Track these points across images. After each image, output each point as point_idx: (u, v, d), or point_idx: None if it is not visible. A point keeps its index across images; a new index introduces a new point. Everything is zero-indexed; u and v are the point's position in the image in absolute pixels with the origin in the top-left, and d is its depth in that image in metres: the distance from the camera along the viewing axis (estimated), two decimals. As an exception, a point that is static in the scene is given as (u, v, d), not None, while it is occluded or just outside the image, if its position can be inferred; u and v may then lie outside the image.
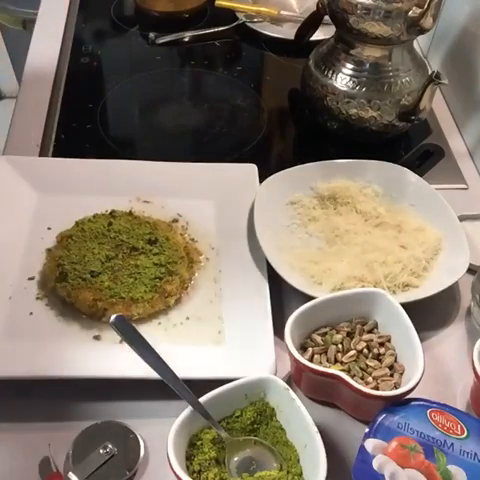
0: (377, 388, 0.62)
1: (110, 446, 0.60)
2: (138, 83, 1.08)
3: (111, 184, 0.83)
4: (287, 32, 1.14)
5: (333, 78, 0.90)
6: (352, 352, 0.64)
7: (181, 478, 0.52)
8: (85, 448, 0.60)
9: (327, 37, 0.95)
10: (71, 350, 0.66)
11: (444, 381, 0.69)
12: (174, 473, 0.53)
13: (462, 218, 0.81)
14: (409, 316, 0.64)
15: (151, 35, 1.16)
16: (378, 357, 0.65)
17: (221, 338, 0.69)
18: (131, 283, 0.70)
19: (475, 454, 0.54)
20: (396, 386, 0.62)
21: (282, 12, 1.20)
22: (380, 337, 0.66)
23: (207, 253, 0.78)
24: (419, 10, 0.81)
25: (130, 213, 0.79)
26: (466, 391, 0.67)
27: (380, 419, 0.56)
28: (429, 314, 0.73)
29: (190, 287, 0.74)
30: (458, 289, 0.77)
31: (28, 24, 1.74)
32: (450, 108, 1.05)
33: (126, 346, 0.60)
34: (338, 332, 0.66)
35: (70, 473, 0.58)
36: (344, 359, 0.64)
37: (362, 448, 0.54)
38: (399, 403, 0.58)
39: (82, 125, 0.97)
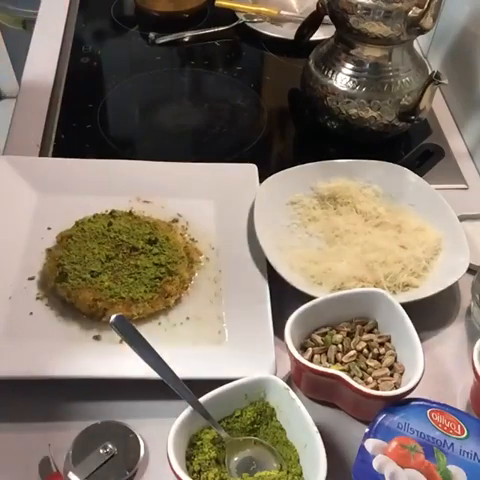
0: (377, 388, 0.62)
1: (110, 446, 0.60)
2: (138, 83, 1.08)
3: (111, 184, 0.83)
4: (287, 32, 1.14)
5: (333, 78, 0.90)
6: (352, 352, 0.65)
7: (181, 478, 0.52)
8: (85, 448, 0.60)
9: (327, 37, 0.95)
10: (71, 350, 0.66)
11: (444, 381, 0.69)
12: (174, 473, 0.53)
13: (462, 218, 0.81)
14: (409, 316, 0.64)
15: (151, 35, 1.16)
16: (378, 357, 0.65)
17: (221, 338, 0.69)
18: (131, 283, 0.70)
19: (475, 454, 0.54)
20: (396, 386, 0.62)
21: (282, 12, 1.20)
22: (380, 337, 0.66)
23: (207, 253, 0.78)
24: (419, 10, 0.81)
25: (130, 213, 0.79)
26: (466, 391, 0.67)
27: (380, 419, 0.56)
28: (429, 314, 0.73)
29: (190, 287, 0.74)
30: (458, 289, 0.77)
31: (28, 24, 1.74)
32: (450, 108, 1.05)
33: (126, 346, 0.60)
34: (338, 332, 0.66)
35: (70, 473, 0.58)
36: (344, 359, 0.64)
37: (362, 448, 0.54)
38: (399, 403, 0.58)
39: (82, 125, 0.97)
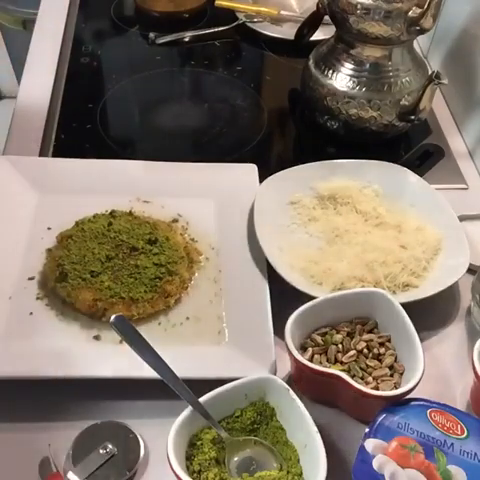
0: (377, 388, 0.62)
1: (110, 446, 0.60)
2: (138, 83, 1.08)
3: (111, 184, 0.83)
4: (287, 32, 1.14)
5: (333, 78, 0.90)
6: (352, 352, 0.64)
7: (181, 478, 0.52)
8: (85, 448, 0.60)
9: (327, 37, 0.95)
10: (71, 350, 0.66)
11: (444, 381, 0.69)
12: (174, 473, 0.53)
13: (462, 218, 0.81)
14: (409, 316, 0.64)
15: (151, 35, 1.16)
16: (378, 357, 0.65)
17: (221, 338, 0.69)
18: (131, 283, 0.70)
19: (475, 454, 0.54)
20: (396, 386, 0.62)
21: (282, 12, 1.20)
22: (380, 337, 0.66)
23: (207, 253, 0.78)
24: (419, 10, 0.81)
25: (130, 213, 0.79)
26: (466, 391, 0.67)
27: (380, 419, 0.56)
28: (429, 314, 0.73)
29: (190, 287, 0.74)
30: (458, 289, 0.77)
31: (28, 24, 1.74)
32: (450, 108, 1.05)
33: (126, 346, 0.60)
34: (338, 332, 0.66)
35: (70, 473, 0.58)
36: (344, 359, 0.64)
37: (362, 448, 0.54)
38: (399, 403, 0.58)
39: (82, 125, 0.98)
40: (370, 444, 0.54)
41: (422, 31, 0.83)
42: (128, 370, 0.63)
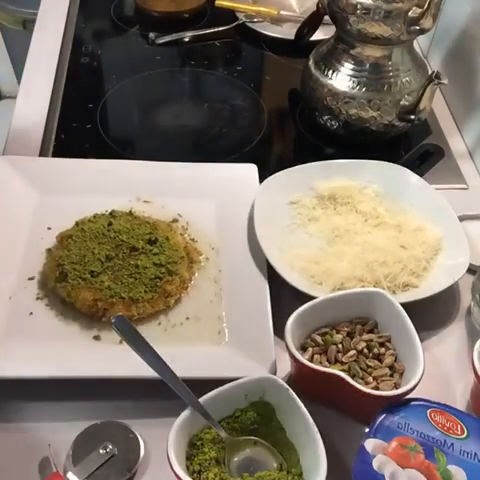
0: (377, 388, 0.62)
1: (110, 446, 0.60)
2: (138, 83, 1.08)
3: (111, 184, 0.83)
4: (287, 32, 1.14)
5: (333, 78, 0.90)
6: (352, 352, 0.64)
7: (181, 478, 0.52)
8: (85, 448, 0.60)
9: (327, 37, 0.95)
10: (71, 350, 0.66)
11: (444, 381, 0.69)
12: (174, 473, 0.53)
13: (462, 218, 0.81)
14: (409, 316, 0.64)
15: (151, 35, 1.16)
16: (378, 357, 0.65)
17: (221, 338, 0.69)
18: (131, 283, 0.70)
19: (475, 454, 0.54)
20: (396, 386, 0.62)
21: (282, 12, 1.20)
22: (380, 337, 0.66)
23: (207, 253, 0.78)
24: (419, 10, 0.81)
25: (130, 213, 0.79)
26: (466, 391, 0.67)
27: (380, 419, 0.56)
28: (429, 314, 0.73)
29: (190, 287, 0.74)
30: (458, 289, 0.77)
31: (28, 24, 1.74)
32: (450, 108, 1.05)
33: (126, 346, 0.60)
34: (338, 332, 0.66)
35: (70, 473, 0.58)
36: (344, 359, 0.64)
37: (362, 448, 0.54)
38: (399, 403, 0.58)
39: (82, 125, 0.98)
40: (370, 444, 0.54)
41: (422, 31, 0.83)
42: (128, 370, 0.63)
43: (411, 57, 0.90)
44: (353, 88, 0.89)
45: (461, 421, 0.57)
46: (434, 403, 0.58)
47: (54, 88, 1.04)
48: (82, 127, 0.97)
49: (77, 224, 0.76)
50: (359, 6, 0.82)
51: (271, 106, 1.04)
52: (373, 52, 0.87)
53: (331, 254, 0.76)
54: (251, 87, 1.08)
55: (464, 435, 0.55)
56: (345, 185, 0.84)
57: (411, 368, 0.61)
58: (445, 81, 0.84)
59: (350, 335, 0.67)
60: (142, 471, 0.60)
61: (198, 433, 0.58)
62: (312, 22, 1.03)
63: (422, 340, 0.62)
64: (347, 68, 0.89)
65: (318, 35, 1.04)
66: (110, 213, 0.78)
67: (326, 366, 0.63)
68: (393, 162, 0.86)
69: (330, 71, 0.91)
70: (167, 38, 1.15)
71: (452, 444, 0.55)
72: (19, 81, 1.07)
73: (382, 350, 0.65)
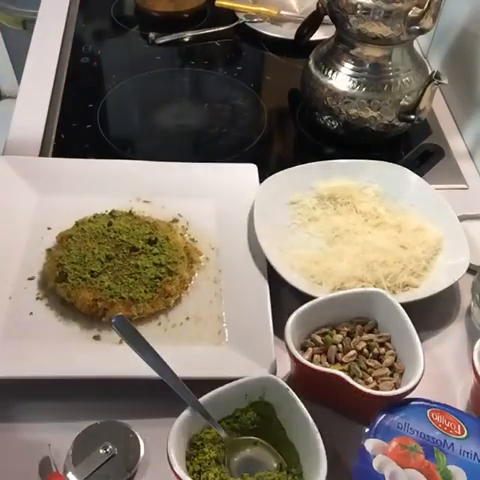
0: (377, 388, 0.62)
1: (110, 446, 0.60)
2: (138, 83, 1.08)
3: (111, 184, 0.83)
4: (287, 32, 1.14)
5: (333, 78, 0.90)
6: (352, 352, 0.64)
7: (181, 478, 0.52)
8: (85, 448, 0.60)
9: (327, 37, 0.95)
10: (71, 350, 0.66)
11: (444, 381, 0.69)
12: (174, 473, 0.53)
13: (462, 218, 0.81)
14: (409, 316, 0.64)
15: (151, 35, 1.16)
16: (378, 357, 0.65)
17: (221, 338, 0.69)
18: (131, 283, 0.70)
19: (475, 454, 0.54)
20: (396, 386, 0.62)
21: (282, 12, 1.20)
22: (380, 337, 0.66)
23: (207, 253, 0.78)
24: (419, 10, 0.81)
25: (130, 213, 0.79)
26: (466, 391, 0.67)
27: (380, 419, 0.56)
28: (429, 314, 0.73)
29: (190, 287, 0.74)
30: (458, 289, 0.77)
31: (28, 24, 1.74)
32: (450, 108, 1.05)
33: (126, 346, 0.60)
34: (338, 332, 0.66)
35: (70, 473, 0.58)
36: (344, 359, 0.64)
37: (362, 448, 0.54)
38: (399, 403, 0.58)
39: (82, 125, 0.98)
40: (370, 444, 0.54)
41: (422, 31, 0.83)
42: (128, 370, 0.63)
43: (411, 57, 0.90)
44: (353, 88, 0.89)
45: (461, 421, 0.57)
46: (434, 403, 0.58)
47: (54, 88, 1.04)
48: (82, 127, 0.97)
49: (77, 224, 0.76)
50: (359, 6, 0.82)
51: (271, 106, 1.04)
52: (373, 52, 0.88)
53: (331, 254, 0.76)
54: (251, 87, 1.08)
55: (464, 435, 0.55)
56: (345, 185, 0.84)
57: (411, 368, 0.61)
58: (445, 81, 0.84)
59: (350, 335, 0.67)
60: (142, 471, 0.60)
61: (198, 433, 0.58)
62: (312, 22, 1.03)
63: (422, 340, 0.62)
64: (347, 68, 0.89)
65: (318, 35, 1.04)
66: (110, 213, 0.78)
67: (326, 366, 0.63)
68: (393, 162, 0.86)
69: (330, 71, 0.91)
70: (167, 38, 1.15)
71: (452, 444, 0.55)
72: (19, 81, 1.07)
73: (382, 350, 0.65)
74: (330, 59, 0.91)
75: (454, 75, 1.00)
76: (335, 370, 0.60)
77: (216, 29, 1.17)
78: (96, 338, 0.69)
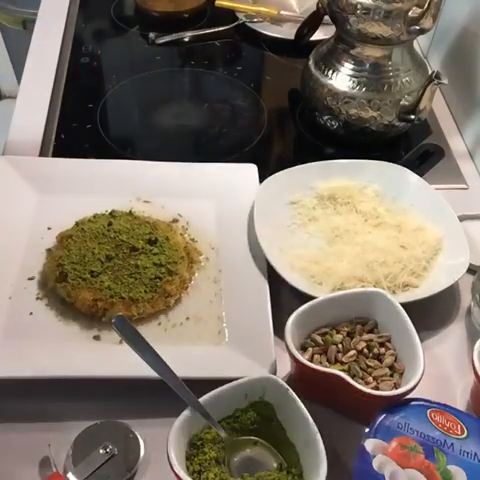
0: (377, 388, 0.62)
1: (110, 446, 0.60)
2: (138, 83, 1.08)
3: (111, 184, 0.83)
4: (287, 32, 1.14)
5: (333, 78, 0.90)
6: (352, 352, 0.64)
7: (181, 478, 0.52)
8: (85, 448, 0.60)
9: (327, 37, 0.95)
10: (71, 350, 0.66)
11: (444, 381, 0.69)
12: (174, 473, 0.53)
13: (462, 218, 0.81)
14: (409, 316, 0.64)
15: (151, 35, 1.16)
16: (378, 357, 0.65)
17: (221, 338, 0.69)
18: (131, 283, 0.70)
19: (475, 454, 0.54)
20: (396, 386, 0.62)
21: (282, 12, 1.20)
22: (380, 337, 0.66)
23: (207, 253, 0.78)
24: (419, 10, 0.81)
25: (130, 213, 0.79)
26: (466, 391, 0.67)
27: (380, 419, 0.56)
28: (429, 314, 0.73)
29: (190, 287, 0.74)
30: (458, 289, 0.77)
31: (28, 24, 1.74)
32: (450, 108, 1.05)
33: (126, 346, 0.60)
34: (338, 332, 0.66)
35: (70, 473, 0.58)
36: (344, 359, 0.64)
37: (362, 448, 0.54)
38: (399, 403, 0.58)
39: (82, 125, 0.98)
40: (370, 444, 0.54)
41: (422, 31, 0.83)
42: (128, 370, 0.63)
43: (411, 57, 0.90)
44: (353, 88, 0.89)
45: (461, 421, 0.57)
46: (434, 403, 0.58)
47: (54, 88, 1.04)
48: (82, 127, 0.97)
49: (77, 224, 0.76)
50: (359, 6, 0.82)
51: (271, 106, 1.04)
52: (373, 52, 0.88)
53: (331, 254, 0.76)
54: (251, 87, 1.08)
55: (464, 435, 0.55)
56: (345, 185, 0.84)
57: (411, 368, 0.61)
58: (445, 81, 0.84)
59: (350, 335, 0.67)
60: (142, 471, 0.60)
61: (198, 433, 0.58)
62: (312, 22, 1.03)
63: (422, 340, 0.62)
64: (347, 68, 0.89)
65: (318, 35, 1.04)
66: (110, 213, 0.78)
67: (326, 366, 0.63)
68: (393, 162, 0.86)
69: (330, 71, 0.91)
70: (167, 38, 1.15)
71: (452, 444, 0.55)
72: (19, 81, 1.07)
73: (382, 350, 0.65)
74: (330, 59, 0.91)
75: (454, 75, 1.00)
76: (335, 370, 0.60)
77: (216, 29, 1.17)
78: (96, 338, 0.69)
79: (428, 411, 0.57)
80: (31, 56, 1.11)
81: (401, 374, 0.63)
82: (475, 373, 0.62)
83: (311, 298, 0.66)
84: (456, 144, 0.98)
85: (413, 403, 0.58)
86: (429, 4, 0.80)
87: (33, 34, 1.16)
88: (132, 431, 0.62)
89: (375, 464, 0.53)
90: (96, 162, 0.86)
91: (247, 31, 1.17)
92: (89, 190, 0.83)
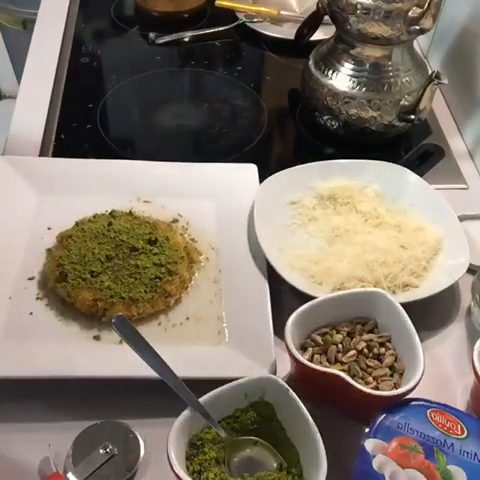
0: (377, 388, 0.62)
1: (110, 446, 0.60)
2: (138, 83, 1.08)
3: (111, 184, 0.83)
4: (287, 32, 1.14)
5: (333, 78, 0.90)
6: (352, 352, 0.64)
7: (181, 478, 0.52)
8: (85, 448, 0.60)
9: (327, 37, 0.95)
10: (71, 350, 0.66)
11: (444, 381, 0.69)
12: (174, 473, 0.53)
13: (462, 218, 0.81)
14: (409, 316, 0.64)
15: (151, 35, 1.16)
16: (378, 357, 0.65)
17: (221, 338, 0.69)
18: (131, 283, 0.70)
19: (475, 454, 0.54)
20: (396, 386, 0.62)
21: (282, 12, 1.20)
22: (380, 337, 0.66)
23: (207, 253, 0.78)
24: (419, 10, 0.81)
25: (130, 213, 0.79)
26: (466, 391, 0.67)
27: (380, 419, 0.56)
28: (429, 314, 0.73)
29: (190, 287, 0.74)
30: (458, 289, 0.77)
31: (28, 24, 1.74)
32: (450, 108, 1.05)
33: (126, 346, 0.60)
34: (338, 332, 0.66)
35: (70, 473, 0.58)
36: (344, 359, 0.64)
37: (362, 448, 0.54)
38: (399, 403, 0.58)
39: (82, 125, 0.98)
40: (370, 444, 0.54)
41: (422, 31, 0.83)
42: (128, 370, 0.63)
43: (411, 57, 0.90)
44: (353, 88, 0.89)
45: (461, 421, 0.57)
46: (434, 403, 0.58)
47: (54, 88, 1.04)
48: (82, 127, 0.97)
49: (77, 224, 0.76)
50: (359, 6, 0.82)
51: (271, 106, 1.04)
52: (373, 52, 0.88)
53: (331, 254, 0.76)
54: (251, 87, 1.08)
55: (464, 435, 0.55)
56: (345, 185, 0.84)
57: (411, 368, 0.61)
58: (445, 81, 0.84)
59: (350, 335, 0.67)
60: (142, 471, 0.60)
61: (198, 433, 0.58)
62: (312, 22, 1.03)
63: (422, 340, 0.62)
64: (347, 68, 0.89)
65: (318, 35, 1.04)
66: (110, 213, 0.78)
67: (326, 366, 0.63)
68: (393, 162, 0.86)
69: (330, 71, 0.91)
70: (167, 38, 1.15)
71: (452, 444, 0.55)
72: (19, 81, 1.07)
73: (382, 350, 0.65)
74: (330, 59, 0.91)
75: (454, 75, 1.00)
76: (335, 370, 0.60)
77: (216, 29, 1.17)
78: (96, 338, 0.69)
79: (428, 411, 0.57)
80: (31, 56, 1.11)
81: (401, 374, 0.63)
82: (475, 373, 0.62)
83: (311, 298, 0.66)
84: (456, 144, 0.98)
85: (413, 403, 0.58)
86: (429, 4, 0.80)
87: (33, 34, 1.16)
88: (132, 431, 0.62)
89: (375, 464, 0.53)
90: (96, 162, 0.86)
91: (247, 31, 1.17)
92: (89, 190, 0.83)
